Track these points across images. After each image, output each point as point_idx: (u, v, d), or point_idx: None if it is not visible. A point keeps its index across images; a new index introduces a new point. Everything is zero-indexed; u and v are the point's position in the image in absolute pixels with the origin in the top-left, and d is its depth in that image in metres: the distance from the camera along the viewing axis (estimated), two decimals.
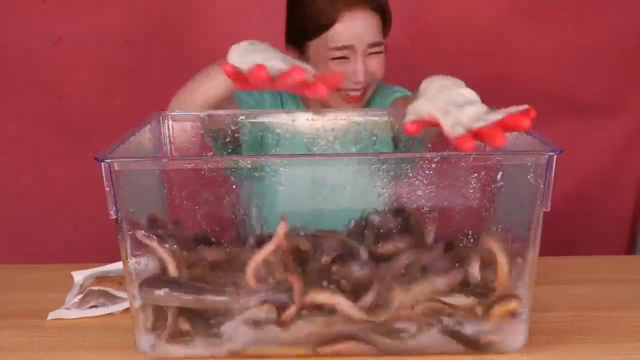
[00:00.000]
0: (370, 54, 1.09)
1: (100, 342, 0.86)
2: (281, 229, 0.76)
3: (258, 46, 0.81)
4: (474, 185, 0.79)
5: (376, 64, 1.11)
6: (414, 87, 1.00)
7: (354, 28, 1.06)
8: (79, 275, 1.05)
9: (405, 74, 1.19)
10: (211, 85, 0.92)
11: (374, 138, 0.98)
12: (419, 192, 0.79)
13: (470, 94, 0.73)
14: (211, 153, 0.97)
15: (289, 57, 0.80)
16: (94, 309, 0.94)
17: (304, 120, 0.96)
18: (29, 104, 1.57)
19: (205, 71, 0.94)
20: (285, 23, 1.16)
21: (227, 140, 0.96)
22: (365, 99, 1.15)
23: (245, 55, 0.79)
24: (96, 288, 0.97)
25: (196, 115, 0.95)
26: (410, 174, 0.77)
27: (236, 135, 0.96)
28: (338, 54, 1.07)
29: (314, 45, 1.10)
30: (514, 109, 0.69)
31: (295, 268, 0.79)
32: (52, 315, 0.92)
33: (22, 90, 1.56)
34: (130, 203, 0.75)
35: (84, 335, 0.88)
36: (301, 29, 1.11)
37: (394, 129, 0.98)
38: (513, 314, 0.78)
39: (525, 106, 0.69)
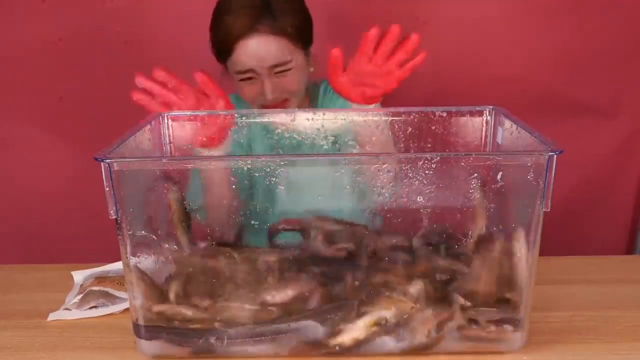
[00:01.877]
0: (277, 72, 1.12)
1: (101, 342, 0.86)
2: None
3: None
4: (474, 185, 0.79)
5: (287, 81, 1.14)
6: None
7: (251, 54, 1.09)
8: (79, 275, 1.05)
9: None
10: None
11: (374, 138, 0.98)
12: (419, 192, 0.79)
13: None
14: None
15: None
16: (94, 309, 0.94)
17: (303, 120, 0.96)
18: (29, 104, 1.57)
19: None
20: None
21: None
22: (291, 107, 1.17)
23: None
24: (96, 288, 0.97)
25: (196, 115, 0.95)
26: (410, 174, 0.77)
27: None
28: (243, 76, 1.12)
29: (228, 66, 1.15)
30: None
31: None
32: (52, 316, 0.93)
33: (22, 90, 1.55)
34: (130, 203, 0.75)
35: (85, 335, 0.88)
36: (214, 53, 1.16)
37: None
38: None
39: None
